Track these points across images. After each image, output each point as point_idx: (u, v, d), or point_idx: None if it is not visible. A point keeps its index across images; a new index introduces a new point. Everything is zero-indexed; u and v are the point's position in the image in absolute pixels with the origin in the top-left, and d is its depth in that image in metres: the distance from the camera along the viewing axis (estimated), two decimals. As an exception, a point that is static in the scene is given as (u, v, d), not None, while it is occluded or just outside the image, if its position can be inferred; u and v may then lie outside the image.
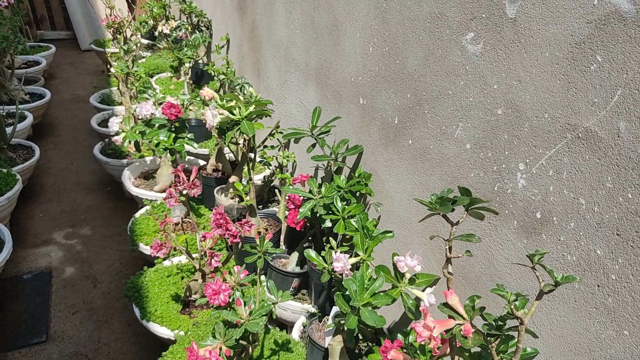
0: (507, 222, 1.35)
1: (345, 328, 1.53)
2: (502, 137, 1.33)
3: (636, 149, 0.98)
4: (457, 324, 1.02)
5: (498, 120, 1.33)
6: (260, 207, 2.84)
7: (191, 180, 1.91)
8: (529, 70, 1.21)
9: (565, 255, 1.18)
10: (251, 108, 2.14)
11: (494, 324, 1.04)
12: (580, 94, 1.09)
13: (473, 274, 1.49)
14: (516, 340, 0.96)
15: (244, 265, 1.64)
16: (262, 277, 2.18)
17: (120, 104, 4.43)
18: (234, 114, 2.14)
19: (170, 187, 2.94)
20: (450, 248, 1.10)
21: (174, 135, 2.41)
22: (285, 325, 2.28)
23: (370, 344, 1.84)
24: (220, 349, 1.43)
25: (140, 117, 2.77)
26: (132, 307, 2.50)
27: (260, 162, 2.83)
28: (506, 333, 1.04)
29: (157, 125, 2.51)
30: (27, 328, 2.42)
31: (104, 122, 4.09)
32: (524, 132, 1.25)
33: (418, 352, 1.30)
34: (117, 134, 3.09)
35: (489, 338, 1.02)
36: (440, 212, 1.09)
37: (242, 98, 2.24)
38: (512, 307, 0.92)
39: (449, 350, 1.18)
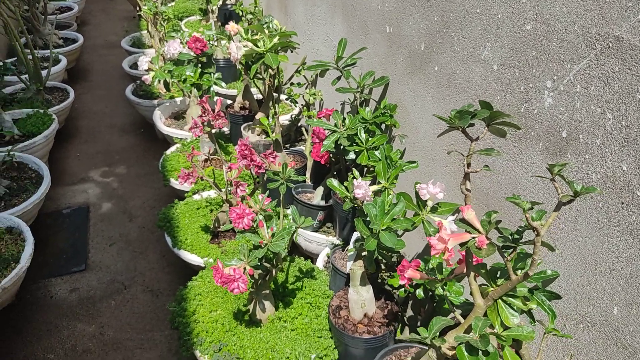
0: (533, 144, 1.31)
1: (366, 251, 1.55)
2: (530, 55, 1.28)
3: (670, 54, 0.92)
4: (472, 237, 1.01)
5: (526, 37, 1.27)
6: (287, 146, 2.85)
7: (216, 111, 1.93)
8: (560, -21, 1.14)
9: (590, 174, 1.14)
10: (275, 40, 2.11)
11: (510, 237, 1.03)
12: (614, -1, 1.02)
13: (496, 200, 1.48)
14: (532, 256, 0.95)
15: (267, 192, 1.66)
16: (288, 211, 2.21)
17: (151, 46, 4.45)
18: (258, 46, 2.12)
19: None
20: (469, 164, 1.08)
21: (200, 70, 2.41)
22: (312, 258, 2.33)
23: (391, 273, 1.87)
24: (245, 268, 1.48)
25: (168, 57, 2.78)
26: (164, 240, 2.60)
27: (287, 99, 2.82)
28: (522, 245, 1.03)
29: (184, 61, 2.51)
30: (67, 258, 2.56)
31: (136, 65, 4.13)
32: (552, 46, 1.19)
33: (436, 271, 1.31)
34: (147, 72, 3.12)
35: (503, 250, 1.02)
36: (459, 127, 1.06)
37: (267, 32, 2.21)
38: (527, 216, 0.90)
39: (465, 269, 1.18)
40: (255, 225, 1.58)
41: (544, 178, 1.28)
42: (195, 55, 2.43)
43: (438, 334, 1.13)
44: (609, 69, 1.06)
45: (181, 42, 2.80)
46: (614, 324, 1.12)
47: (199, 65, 2.49)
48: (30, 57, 3.38)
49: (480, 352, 1.03)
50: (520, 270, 1.12)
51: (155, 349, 2.09)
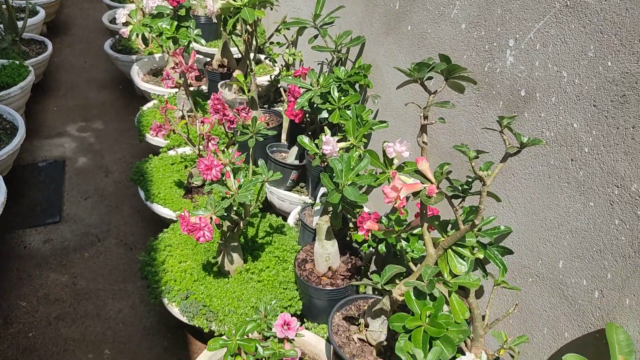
0: (494, 103, 1.34)
1: (331, 206, 1.58)
2: (495, 13, 1.29)
3: (620, 12, 0.94)
4: (424, 187, 1.05)
5: (492, -5, 1.28)
6: (266, 106, 2.84)
7: (189, 63, 1.91)
8: (526, -64, 1.15)
9: (544, 132, 1.17)
10: (252, -7, 2.09)
11: (460, 188, 1.07)
12: (574, -43, 1.03)
13: (459, 158, 1.51)
14: (478, 204, 0.98)
15: (237, 145, 1.68)
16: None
17: (132, 1, 4.35)
18: (235, 0, 2.10)
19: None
20: (426, 117, 1.11)
21: (176, 23, 2.38)
22: (285, 217, 2.37)
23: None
24: (211, 218, 1.51)
25: (147, 10, 2.73)
26: (140, 196, 2.61)
27: (266, 58, 2.80)
28: (470, 195, 1.06)
29: (162, 14, 2.47)
30: (42, 210, 2.56)
31: (116, 19, 4.05)
32: (516, 4, 1.21)
33: (394, 224, 1.35)
34: (124, 26, 3.06)
35: (452, 200, 1.05)
36: (417, 79, 1.08)
37: (244, -14, 2.18)
38: (473, 164, 0.93)
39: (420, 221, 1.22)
40: (223, 177, 1.59)
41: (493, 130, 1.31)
42: (172, 7, 2.39)
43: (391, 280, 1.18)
44: (566, 27, 1.08)
45: (160, -4, 2.75)
46: (559, 277, 1.18)
47: (176, 18, 2.45)
48: (4, 6, 3.30)
49: (427, 297, 1.08)
50: (468, 222, 1.16)
51: (127, 299, 2.13)
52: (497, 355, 1.18)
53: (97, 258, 2.32)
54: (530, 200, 1.25)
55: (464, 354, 1.14)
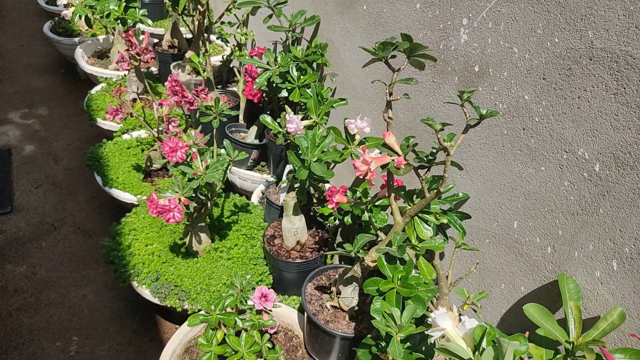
0: (449, 79, 1.42)
1: (298, 182, 1.63)
2: (449, -7, 1.36)
3: (565, -8, 1.04)
4: (392, 159, 1.12)
5: (446, -25, 1.36)
6: (219, 87, 2.83)
7: (144, 45, 1.89)
8: None
9: (498, 104, 1.27)
10: (205, -27, 2.07)
11: (425, 158, 1.15)
12: (522, -60, 1.12)
13: (417, 132, 1.59)
14: (443, 173, 1.06)
15: (200, 126, 1.69)
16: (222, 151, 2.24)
17: (68, -20, 4.15)
18: (187, -20, 2.07)
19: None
20: (390, 93, 1.17)
21: (124, 4, 2.32)
22: (247, 196, 2.39)
23: (322, 205, 1.98)
24: (179, 199, 1.52)
25: (89, -10, 2.63)
26: (95, 182, 2.55)
27: (217, 39, 2.77)
28: (435, 165, 1.15)
29: (107, -6, 2.40)
30: (-10, 201, 2.46)
31: (52, 1, 3.86)
32: (469, -15, 1.28)
33: (362, 197, 1.42)
34: (65, 7, 2.94)
35: (419, 170, 1.13)
36: (382, 58, 1.14)
37: (195, -36, 2.16)
38: (439, 136, 1.01)
39: (387, 193, 1.29)
40: (188, 159, 1.61)
41: (459, 109, 1.41)
42: (119, -12, 2.33)
43: (362, 248, 1.25)
44: (516, 6, 1.16)
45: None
46: (513, 236, 1.29)
47: (124, -1, 2.39)
48: None
49: (397, 261, 1.16)
50: (433, 190, 1.24)
51: (91, 285, 2.11)
52: (461, 310, 1.28)
53: (55, 246, 2.27)
54: (485, 168, 1.35)
55: (430, 311, 1.24)
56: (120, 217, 2.07)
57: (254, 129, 2.31)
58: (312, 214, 1.94)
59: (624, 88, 0.96)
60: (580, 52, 1.03)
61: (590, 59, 1.01)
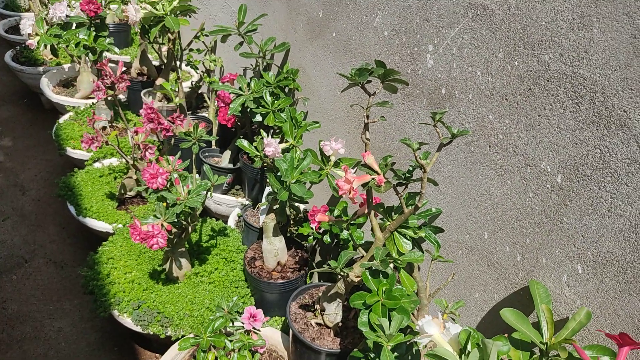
0: (418, 101, 1.51)
1: (277, 204, 1.68)
2: (414, 22, 1.46)
3: (522, 21, 1.14)
4: (373, 178, 1.18)
5: (411, 5, 1.46)
6: (190, 112, 2.86)
7: (118, 73, 1.91)
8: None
9: (464, 124, 1.36)
10: (175, 3, 2.12)
11: (403, 176, 1.22)
12: (480, -25, 1.22)
13: (389, 152, 1.67)
14: (420, 189, 1.14)
15: (179, 152, 1.72)
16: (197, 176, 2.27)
17: (28, 9, 4.11)
18: (157, 9, 2.11)
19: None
20: (367, 116, 1.25)
21: (94, 33, 2.33)
22: (222, 221, 2.42)
23: (298, 227, 2.02)
24: (162, 225, 1.54)
25: (54, 20, 2.64)
26: (64, 212, 2.53)
27: (186, 66, 2.81)
28: (412, 182, 1.22)
29: (75, 24, 2.41)
30: (-46, 236, 2.39)
31: (12, 30, 3.81)
32: (433, 14, 1.39)
33: (342, 216, 1.48)
34: (29, 37, 2.92)
35: (397, 187, 1.20)
36: (358, 83, 1.22)
37: (165, -5, 2.20)
38: (416, 155, 1.09)
39: (367, 210, 1.36)
40: (168, 185, 1.63)
41: (427, 128, 1.49)
42: (88, 17, 2.34)
43: (345, 265, 1.31)
44: (478, 33, 1.27)
45: (68, 5, 2.67)
46: (485, 246, 1.37)
47: (93, 28, 2.40)
48: None
49: (380, 275, 1.22)
50: (411, 206, 1.31)
51: (66, 317, 2.07)
52: (442, 319, 1.35)
53: (26, 280, 2.22)
54: (455, 184, 1.43)
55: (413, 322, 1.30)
56: (92, 246, 2.06)
57: (227, 154, 2.35)
58: (289, 234, 1.99)
59: (579, 106, 1.06)
60: (539, 74, 1.13)
61: (548, 80, 1.11)
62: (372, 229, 1.32)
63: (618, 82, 0.98)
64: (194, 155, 1.69)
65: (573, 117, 1.08)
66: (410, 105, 1.55)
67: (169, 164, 1.69)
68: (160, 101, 2.61)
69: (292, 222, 2.01)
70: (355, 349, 1.27)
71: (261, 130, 1.95)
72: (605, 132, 1.01)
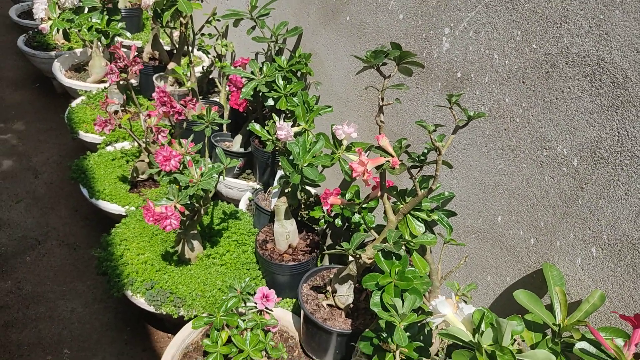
0: (433, 85, 1.51)
1: (289, 187, 1.68)
2: (430, 4, 1.45)
3: (541, 3, 1.13)
4: (387, 160, 1.18)
5: (428, -12, 1.44)
6: (201, 97, 2.86)
7: (131, 57, 1.92)
8: (457, -64, 1.31)
9: (480, 107, 1.36)
10: (189, -14, 2.11)
11: (417, 159, 1.22)
12: (499, -45, 1.21)
13: (403, 135, 1.67)
14: (434, 174, 1.14)
15: (192, 135, 1.72)
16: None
17: (40, -6, 4.11)
18: (171, -7, 2.11)
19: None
20: (382, 98, 1.24)
21: (107, 17, 2.34)
22: (235, 204, 2.43)
23: (309, 211, 2.03)
24: (175, 207, 1.55)
25: (65, 5, 2.64)
26: (76, 195, 2.55)
27: (198, 50, 2.81)
28: (427, 165, 1.22)
29: (87, 8, 2.41)
30: (-31, 217, 2.42)
31: (25, 14, 3.83)
32: (450, -4, 1.38)
33: (354, 199, 1.49)
34: (42, 21, 2.93)
35: (412, 169, 1.20)
36: (374, 65, 1.21)
37: (178, -22, 2.20)
38: (432, 137, 1.09)
39: (379, 193, 1.36)
40: (181, 167, 1.64)
41: (442, 112, 1.49)
42: (101, 1, 2.35)
43: (357, 247, 1.31)
44: (495, 15, 1.26)
45: (81, -11, 2.67)
46: (498, 230, 1.37)
47: (106, 12, 2.40)
48: None
49: (393, 256, 1.23)
50: (424, 189, 1.31)
51: (79, 298, 2.10)
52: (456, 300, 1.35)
53: (40, 261, 2.25)
54: (469, 168, 1.43)
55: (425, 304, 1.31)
56: (104, 229, 2.08)
57: (239, 138, 2.35)
58: (300, 218, 2.00)
59: (597, 89, 1.05)
60: (557, 57, 1.12)
61: (566, 63, 1.10)
62: (384, 212, 1.32)
63: None
64: (206, 138, 1.70)
65: (591, 100, 1.07)
66: (424, 89, 1.54)
67: (182, 147, 1.69)
68: (172, 85, 2.62)
69: (303, 206, 2.02)
70: (367, 330, 1.27)
71: (273, 114, 1.95)
72: (625, 115, 1.01)
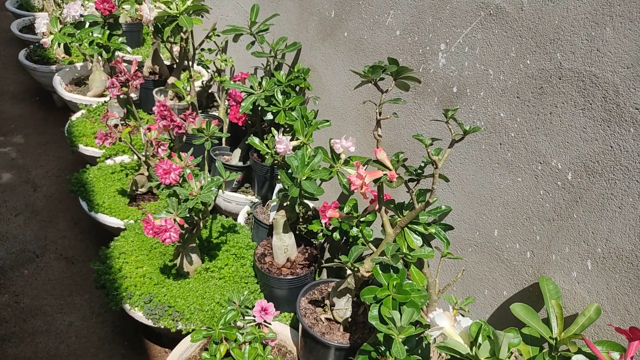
0: (429, 100, 1.53)
1: (288, 201, 1.70)
2: (427, 21, 1.48)
3: (534, 19, 1.16)
4: (384, 174, 1.20)
5: (424, 5, 1.47)
6: (200, 112, 2.88)
7: (132, 71, 1.94)
8: (452, -45, 1.34)
9: (475, 122, 1.38)
10: (188, 2, 2.15)
11: (414, 172, 1.24)
12: (493, -26, 1.24)
13: (400, 149, 1.69)
14: (431, 188, 1.15)
15: (192, 149, 1.74)
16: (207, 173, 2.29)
17: (41, 9, 4.16)
18: (170, 9, 2.14)
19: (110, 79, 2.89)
20: (380, 113, 1.26)
21: (108, 32, 2.37)
22: (233, 218, 2.43)
23: (307, 224, 2.04)
24: (175, 220, 1.56)
25: (67, 20, 2.67)
26: (75, 208, 2.56)
27: (198, 65, 2.84)
28: (424, 178, 1.23)
29: (88, 23, 2.44)
30: (-32, 230, 2.42)
31: (27, 29, 3.86)
32: (446, 13, 1.40)
33: (352, 212, 1.50)
34: (44, 35, 2.96)
35: (409, 183, 1.22)
36: (372, 80, 1.23)
37: (178, -5, 2.23)
38: (429, 150, 1.10)
39: (377, 207, 1.37)
40: (181, 181, 1.65)
41: (438, 127, 1.51)
42: (102, 16, 2.38)
43: (355, 260, 1.32)
44: (490, 32, 1.28)
45: (82, 5, 2.70)
46: (494, 244, 1.38)
47: (107, 27, 2.43)
48: None
49: (391, 270, 1.23)
50: (422, 202, 1.33)
51: (77, 312, 2.10)
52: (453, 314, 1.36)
53: (38, 274, 2.25)
54: (466, 182, 1.45)
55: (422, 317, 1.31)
56: (103, 242, 2.08)
57: (237, 152, 2.37)
58: (298, 232, 2.00)
59: (590, 104, 1.07)
60: (551, 72, 1.14)
61: (560, 79, 1.13)
62: (382, 225, 1.33)
63: (630, 79, 0.99)
64: (206, 152, 1.71)
65: (584, 114, 1.09)
66: (421, 103, 1.56)
67: (182, 161, 1.71)
68: (172, 99, 2.64)
69: (301, 219, 2.03)
70: (365, 343, 1.28)
71: (272, 128, 1.96)
72: (617, 130, 1.03)
